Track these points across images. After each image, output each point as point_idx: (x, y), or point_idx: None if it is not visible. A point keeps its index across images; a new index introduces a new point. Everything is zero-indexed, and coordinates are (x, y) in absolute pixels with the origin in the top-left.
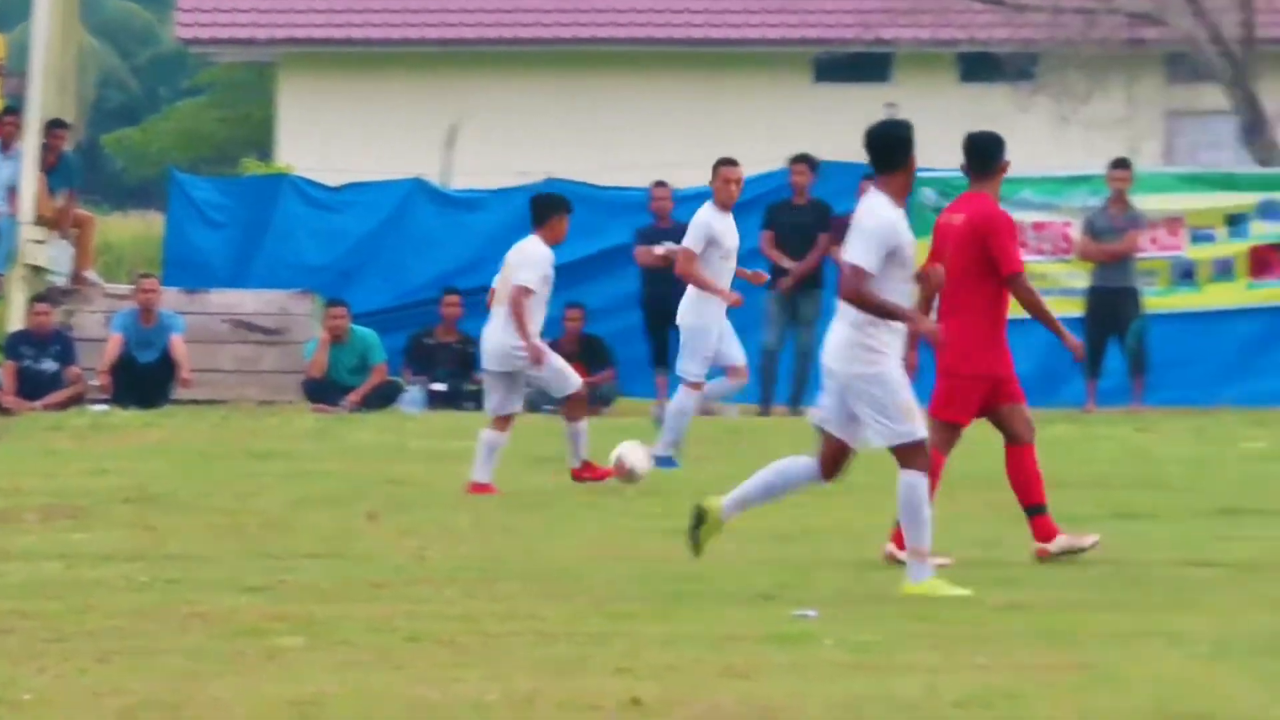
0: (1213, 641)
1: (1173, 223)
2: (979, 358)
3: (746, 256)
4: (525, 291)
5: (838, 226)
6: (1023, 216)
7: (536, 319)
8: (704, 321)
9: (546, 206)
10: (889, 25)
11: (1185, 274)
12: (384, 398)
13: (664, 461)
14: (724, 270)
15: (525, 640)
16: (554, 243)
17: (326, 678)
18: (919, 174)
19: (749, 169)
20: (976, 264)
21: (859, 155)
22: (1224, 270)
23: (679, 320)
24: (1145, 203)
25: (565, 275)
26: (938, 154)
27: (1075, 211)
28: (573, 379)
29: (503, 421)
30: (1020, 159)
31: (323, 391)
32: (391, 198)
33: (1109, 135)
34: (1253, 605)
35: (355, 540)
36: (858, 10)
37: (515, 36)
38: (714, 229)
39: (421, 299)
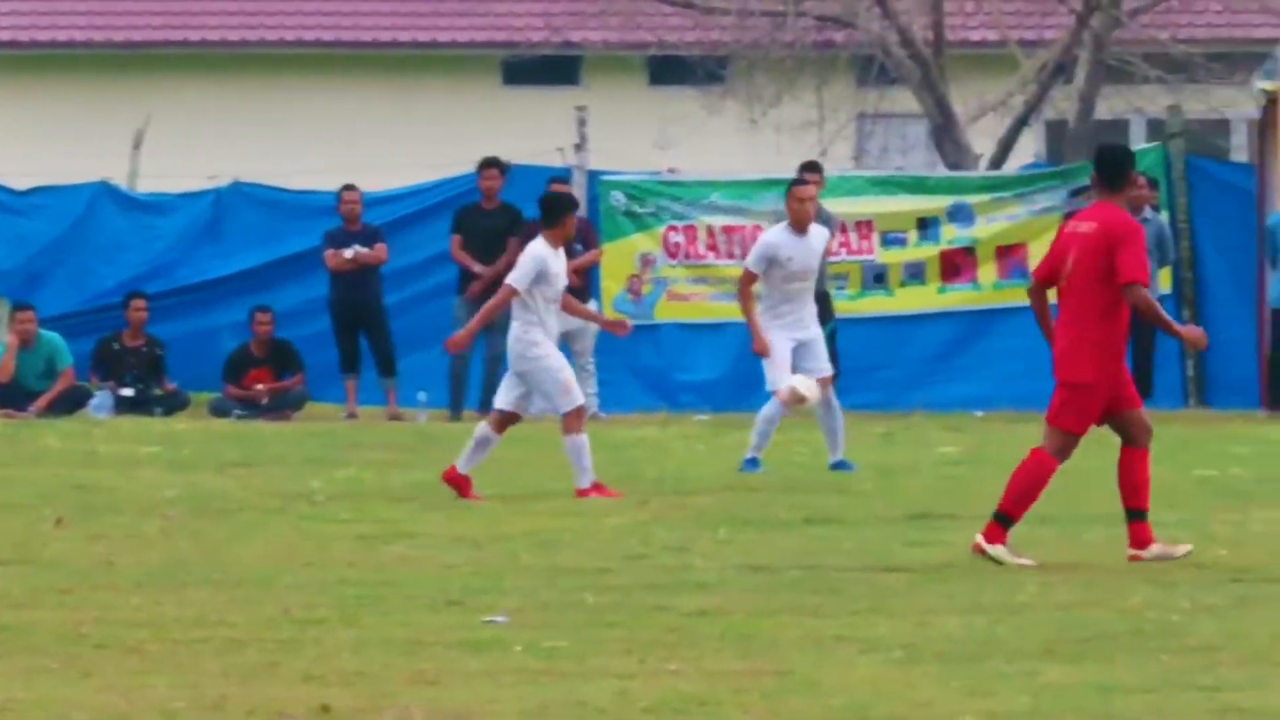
0: (905, 646)
1: (863, 226)
2: (1100, 366)
3: (436, 261)
4: (510, 291)
5: (529, 231)
6: (712, 220)
7: (547, 322)
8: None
9: (557, 205)
10: (578, 28)
11: (877, 278)
12: (71, 403)
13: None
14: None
15: (213, 647)
16: (563, 241)
17: (14, 685)
18: (607, 177)
19: (438, 173)
20: (1103, 273)
21: (549, 158)
22: (915, 274)
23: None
24: (837, 206)
25: (254, 279)
26: (627, 157)
27: (765, 215)
28: (573, 394)
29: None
30: (709, 163)
31: (9, 397)
32: (78, 201)
33: (799, 138)
34: (943, 609)
35: (43, 546)
36: (546, 13)
37: (202, 39)
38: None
39: (108, 303)
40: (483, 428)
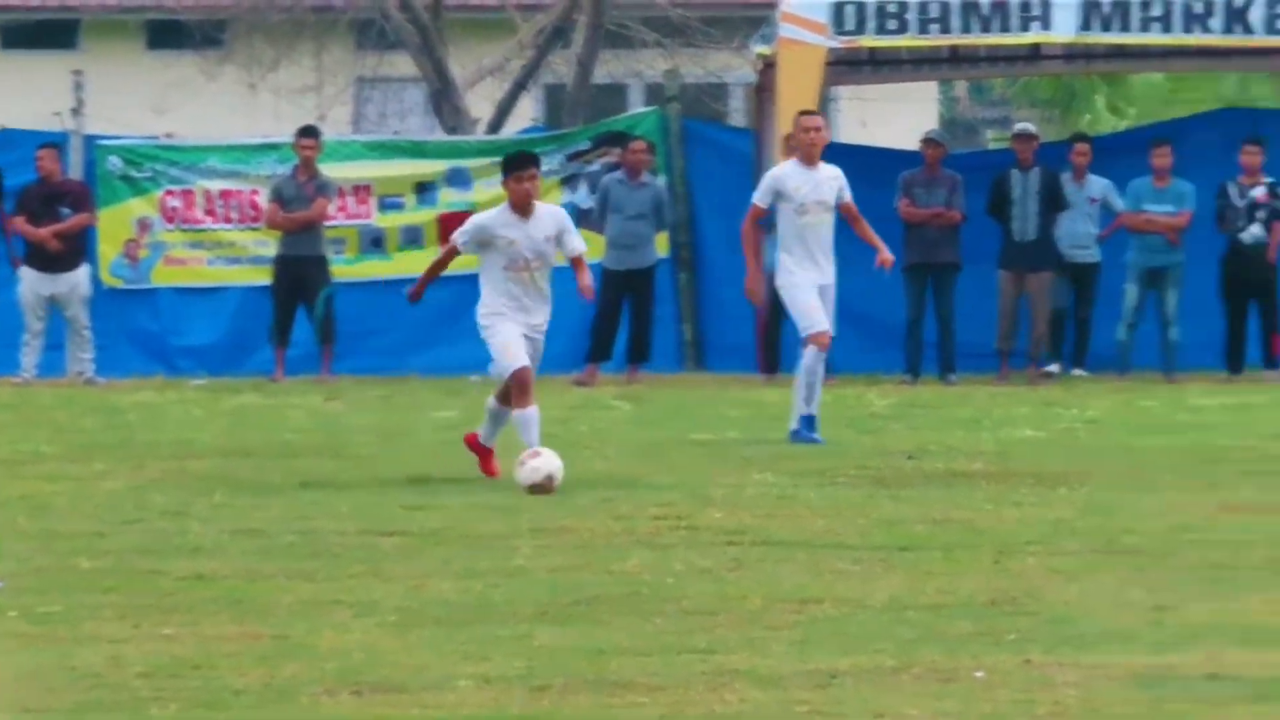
0: (400, 610)
1: (361, 190)
2: None
3: None
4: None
5: (24, 200)
6: (210, 185)
7: (497, 286)
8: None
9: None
10: None
11: (374, 242)
12: None
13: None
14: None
15: None
16: (514, 203)
17: None
18: (104, 141)
19: None
20: None
21: (48, 123)
22: (413, 238)
23: None
24: (334, 170)
25: None
26: (126, 122)
27: (263, 179)
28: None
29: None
30: (208, 127)
31: None
32: None
33: (298, 103)
34: (439, 574)
35: None
36: None
37: None
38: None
39: None
40: None
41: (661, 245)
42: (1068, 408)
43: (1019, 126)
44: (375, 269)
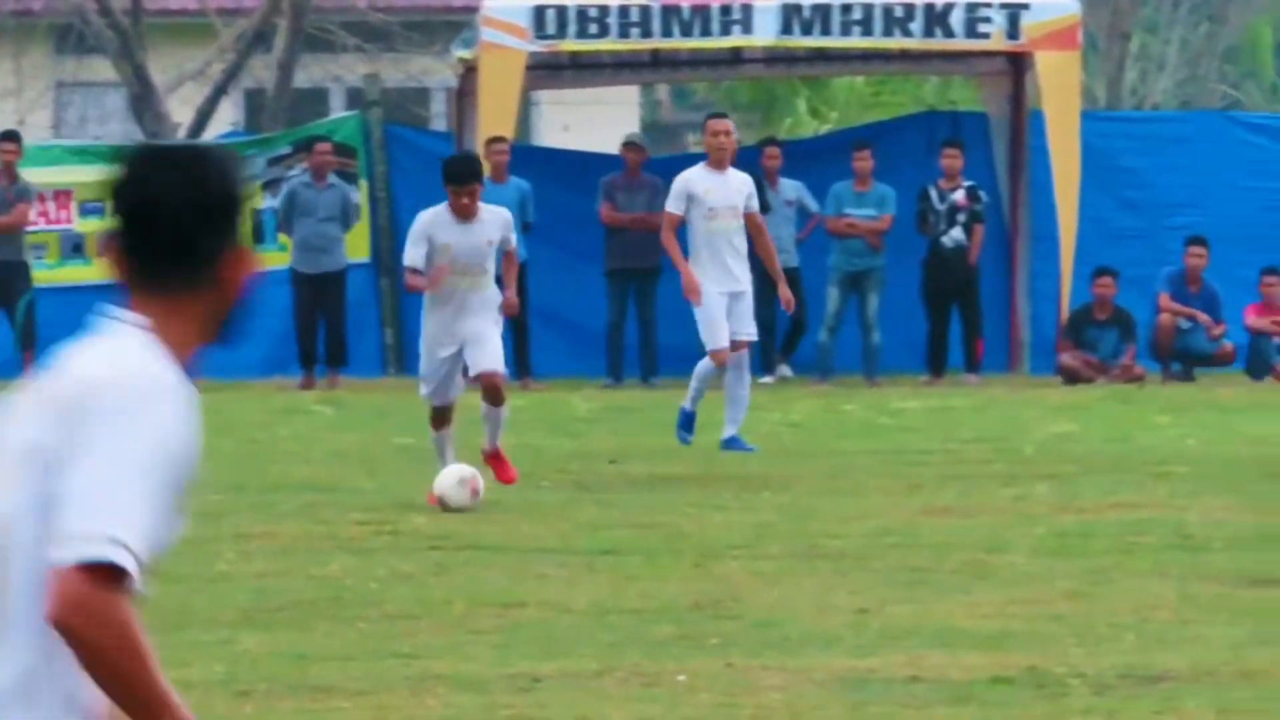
0: None
1: (62, 195)
2: None
3: None
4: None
5: None
6: None
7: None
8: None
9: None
10: None
11: (75, 247)
12: None
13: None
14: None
15: None
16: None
17: None
18: None
19: None
20: None
21: None
22: None
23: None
24: (35, 175)
25: None
26: None
27: None
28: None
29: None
30: None
31: None
32: None
33: None
34: None
35: None
36: None
37: None
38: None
39: None
40: None
41: (363, 249)
42: (771, 411)
43: None
44: (77, 274)
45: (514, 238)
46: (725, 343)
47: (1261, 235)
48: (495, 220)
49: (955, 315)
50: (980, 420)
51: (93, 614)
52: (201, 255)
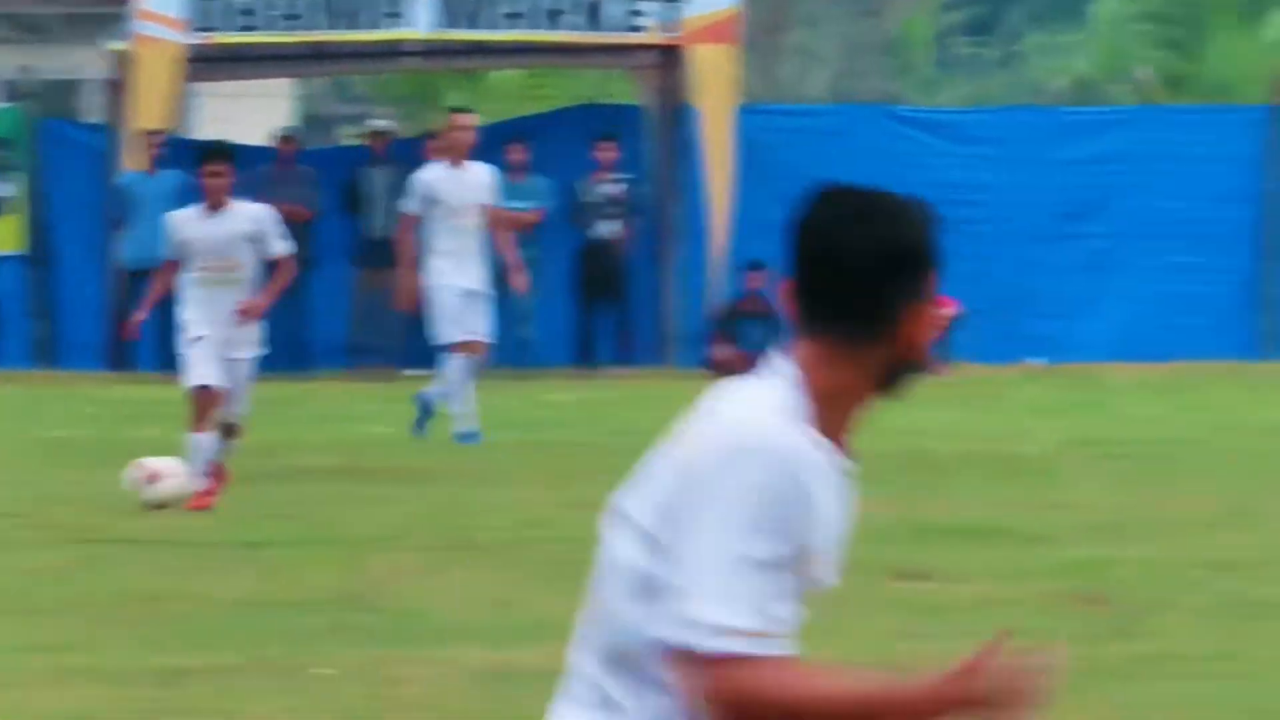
0: None
1: None
2: None
3: None
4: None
5: None
6: None
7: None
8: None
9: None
10: None
11: None
12: None
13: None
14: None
15: None
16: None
17: None
18: None
19: None
20: None
21: None
22: None
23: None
24: None
25: None
26: None
27: None
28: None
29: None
30: None
31: None
32: None
33: None
34: None
35: None
36: None
37: None
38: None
39: None
40: None
41: (14, 242)
42: None
43: (373, 123)
44: None
45: (274, 239)
46: (457, 336)
47: None
48: (247, 215)
49: (607, 308)
50: (630, 413)
51: (738, 703)
52: (883, 308)
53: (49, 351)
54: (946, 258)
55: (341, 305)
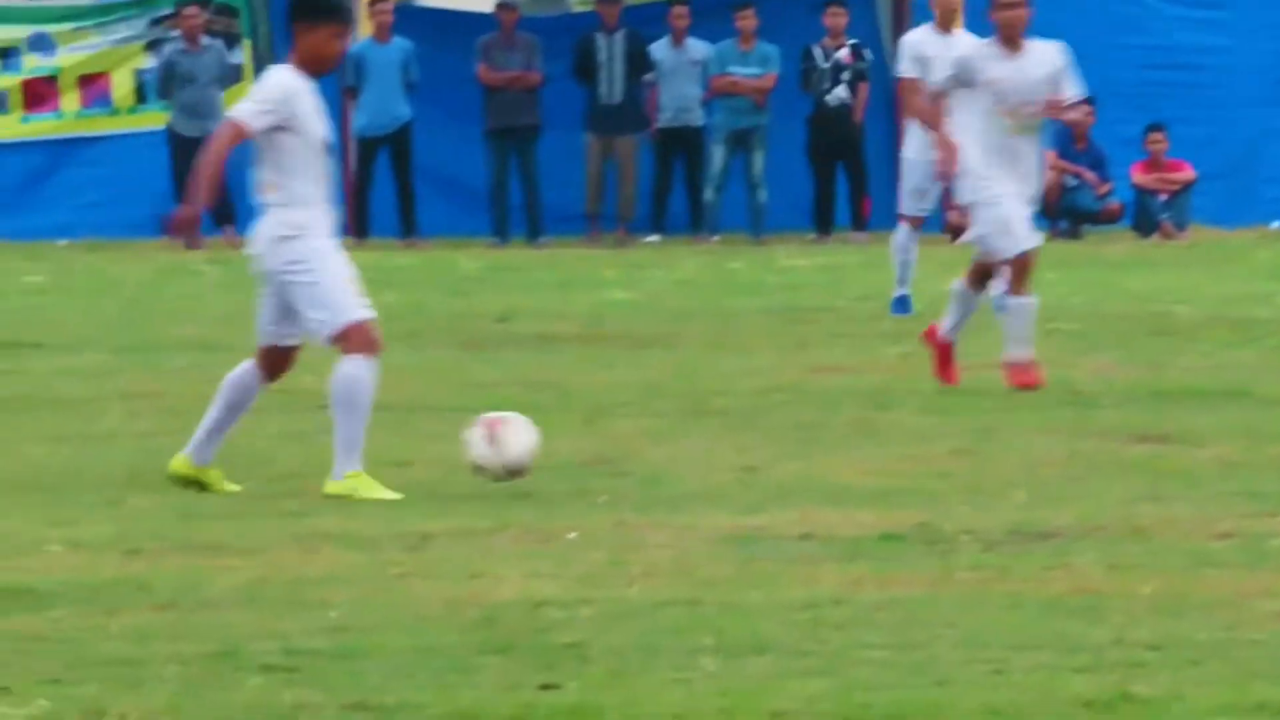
0: None
1: None
2: None
3: None
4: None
5: None
6: None
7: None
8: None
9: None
10: None
11: None
12: None
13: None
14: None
15: None
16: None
17: None
18: None
19: None
20: None
21: None
22: None
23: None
24: None
25: None
26: None
27: None
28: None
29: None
30: None
31: None
32: None
33: None
34: (26, 439)
35: None
36: None
37: None
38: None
39: None
40: None
41: None
42: (656, 270)
43: None
44: None
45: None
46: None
47: (1146, 94)
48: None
49: (841, 173)
50: (868, 278)
51: None
52: None
53: None
54: (1180, 122)
55: (574, 173)
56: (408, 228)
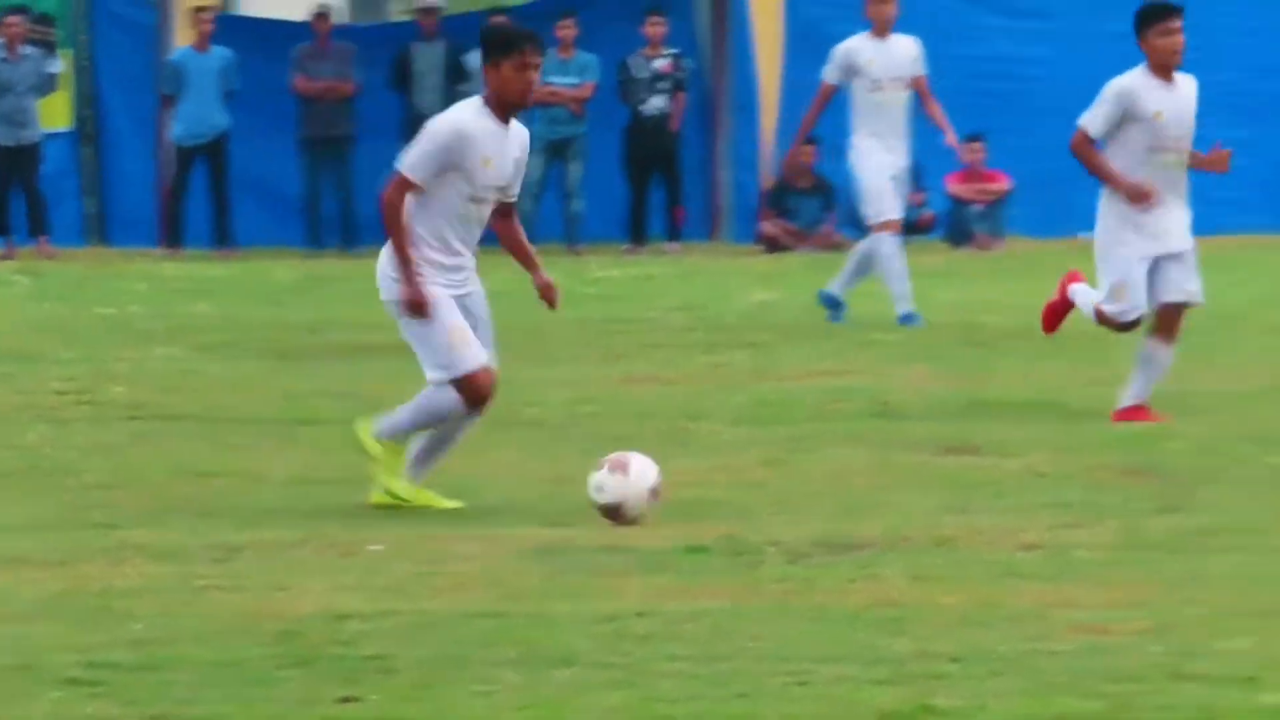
0: None
1: None
2: None
3: None
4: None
5: None
6: None
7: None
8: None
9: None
10: None
11: None
12: None
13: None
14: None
15: None
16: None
17: None
18: None
19: None
20: None
21: None
22: None
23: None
24: None
25: None
26: None
27: None
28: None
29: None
30: None
31: None
32: None
33: None
34: None
35: None
36: None
37: None
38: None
39: None
40: None
41: (64, 118)
42: None
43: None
44: None
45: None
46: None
47: (966, 104)
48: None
49: (657, 183)
50: (681, 288)
51: None
52: None
53: (100, 228)
54: (996, 132)
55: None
56: (222, 237)
